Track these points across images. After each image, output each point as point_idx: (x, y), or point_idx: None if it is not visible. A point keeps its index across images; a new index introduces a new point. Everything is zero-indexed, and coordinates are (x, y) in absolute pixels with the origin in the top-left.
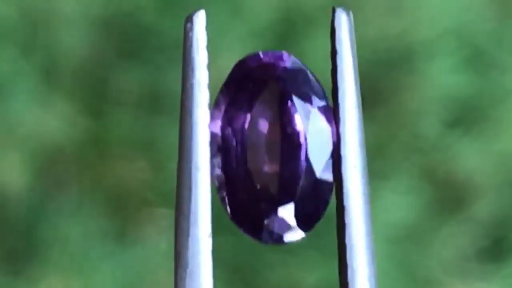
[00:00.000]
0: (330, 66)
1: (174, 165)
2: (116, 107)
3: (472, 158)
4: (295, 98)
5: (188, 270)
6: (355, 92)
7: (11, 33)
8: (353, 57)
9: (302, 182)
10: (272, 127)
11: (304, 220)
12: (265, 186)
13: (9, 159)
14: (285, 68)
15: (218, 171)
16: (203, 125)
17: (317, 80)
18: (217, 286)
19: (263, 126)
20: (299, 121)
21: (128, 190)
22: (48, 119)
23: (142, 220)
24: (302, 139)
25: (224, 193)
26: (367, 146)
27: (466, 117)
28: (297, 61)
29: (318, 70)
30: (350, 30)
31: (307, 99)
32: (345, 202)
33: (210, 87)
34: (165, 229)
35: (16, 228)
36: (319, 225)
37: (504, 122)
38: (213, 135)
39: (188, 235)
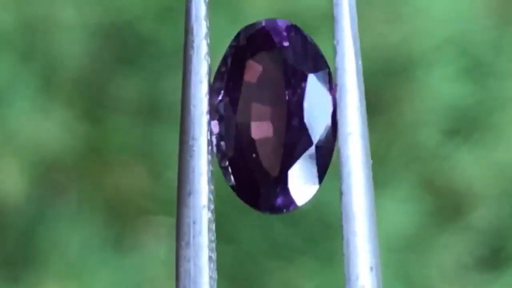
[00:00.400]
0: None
1: (172, 173)
2: (115, 115)
3: (471, 167)
4: (293, 65)
5: (185, 240)
6: (354, 59)
7: (10, 40)
8: (352, 23)
9: (298, 149)
10: (270, 94)
11: (302, 189)
12: (264, 154)
13: (7, 166)
14: (284, 35)
15: (220, 141)
16: (201, 95)
17: (317, 47)
18: None
19: (261, 94)
20: (297, 88)
21: (126, 197)
22: (46, 126)
23: (140, 228)
24: (299, 106)
25: (226, 163)
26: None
27: (465, 126)
28: (297, 27)
29: None
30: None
31: (306, 66)
32: (342, 170)
33: (210, 55)
34: (164, 236)
35: (14, 234)
36: (317, 233)
37: (503, 131)
38: (215, 106)
39: (185, 205)
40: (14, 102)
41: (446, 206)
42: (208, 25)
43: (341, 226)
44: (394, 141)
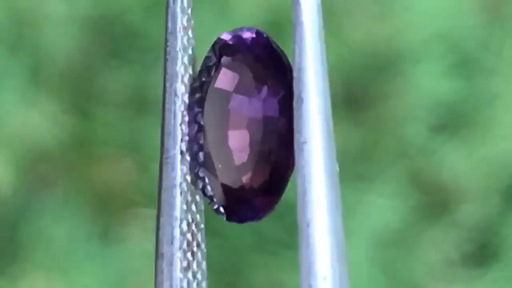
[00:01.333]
0: None
1: (158, 166)
2: (102, 108)
3: (457, 163)
4: (260, 75)
5: (160, 251)
6: (313, 65)
7: None
8: (313, 26)
9: (264, 160)
10: (240, 103)
11: (266, 201)
12: (231, 164)
13: None
14: (252, 46)
15: (199, 151)
16: (175, 107)
17: (285, 56)
18: None
19: (232, 103)
20: (262, 96)
21: (113, 190)
22: (34, 119)
23: (127, 221)
24: (265, 117)
25: (201, 174)
26: (353, 150)
27: (452, 121)
28: (267, 37)
29: None
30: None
31: (272, 75)
32: (297, 179)
33: (192, 63)
34: (150, 229)
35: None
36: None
37: (490, 127)
38: (194, 116)
39: (162, 215)
40: (1, 94)
41: (433, 201)
42: (190, 36)
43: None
44: (382, 136)
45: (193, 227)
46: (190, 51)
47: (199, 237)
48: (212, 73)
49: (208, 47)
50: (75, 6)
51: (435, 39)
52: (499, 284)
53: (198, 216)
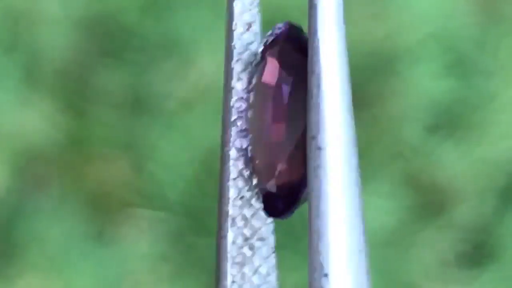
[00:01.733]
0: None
1: (154, 166)
2: (98, 107)
3: (454, 163)
4: (303, 68)
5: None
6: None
7: None
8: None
9: (299, 153)
10: (280, 98)
11: (297, 195)
12: (270, 158)
13: None
14: (297, 41)
15: (247, 146)
16: (229, 102)
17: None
18: None
19: (275, 96)
20: (300, 90)
21: (108, 190)
22: (28, 118)
23: (122, 221)
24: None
25: (249, 170)
26: None
27: (448, 122)
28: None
29: None
30: None
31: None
32: (310, 184)
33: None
34: (145, 229)
35: None
36: (298, 227)
37: (486, 127)
38: (242, 112)
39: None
40: None
41: (428, 202)
42: (256, 31)
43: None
44: (378, 136)
45: (252, 222)
46: (253, 47)
47: (263, 232)
48: (255, 67)
49: (203, 45)
50: (69, 5)
51: (431, 39)
52: (495, 284)
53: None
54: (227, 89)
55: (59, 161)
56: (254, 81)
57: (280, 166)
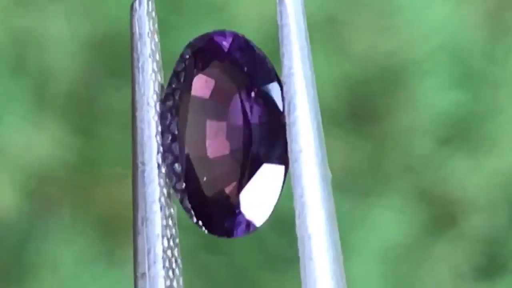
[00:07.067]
0: (322, 83)
1: None
2: (107, 128)
3: (465, 175)
4: (241, 78)
5: (140, 271)
6: (303, 70)
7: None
8: (298, 30)
9: (252, 168)
10: (219, 110)
11: (257, 211)
12: (217, 175)
13: None
14: (232, 48)
15: (174, 162)
16: (150, 117)
17: (267, 60)
18: None
19: (210, 111)
20: (246, 103)
21: (119, 211)
22: (38, 140)
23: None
24: (247, 122)
25: (180, 186)
26: (359, 164)
27: (458, 134)
28: (246, 39)
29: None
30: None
31: (254, 79)
32: (295, 189)
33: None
34: None
35: (5, 249)
36: None
37: (497, 139)
38: (167, 126)
39: (140, 233)
40: (4, 116)
41: (441, 215)
42: (156, 41)
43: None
44: (388, 150)
45: (171, 242)
46: (157, 57)
47: (176, 252)
48: (183, 79)
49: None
50: (76, 26)
51: (440, 52)
52: None
53: (174, 230)
54: (141, 102)
55: (69, 183)
56: (178, 94)
57: (228, 183)
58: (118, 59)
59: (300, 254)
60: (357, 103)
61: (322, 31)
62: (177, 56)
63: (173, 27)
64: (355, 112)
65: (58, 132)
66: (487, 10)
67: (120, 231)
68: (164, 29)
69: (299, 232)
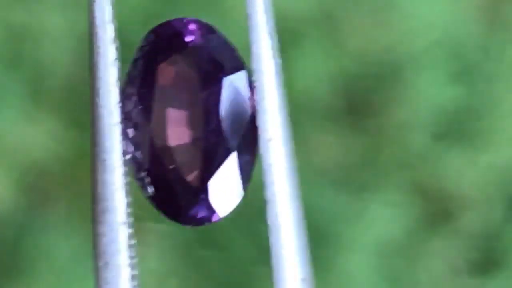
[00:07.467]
0: (318, 78)
1: None
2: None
3: (461, 170)
4: (206, 67)
5: (103, 260)
6: (271, 59)
7: None
8: (268, 20)
9: (217, 157)
10: (183, 97)
11: (224, 200)
12: (180, 163)
13: None
14: (195, 36)
15: (135, 151)
16: (111, 104)
17: (233, 48)
18: None
19: (174, 98)
20: (212, 90)
21: None
22: (34, 134)
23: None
24: (215, 110)
25: (143, 174)
26: (355, 159)
27: (455, 129)
28: (211, 27)
29: (307, 83)
30: None
31: (219, 67)
32: (265, 178)
33: (120, 63)
34: (152, 244)
35: (1, 244)
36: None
37: (493, 134)
38: (127, 113)
39: (102, 222)
40: (1, 111)
41: (437, 210)
42: (115, 28)
43: (267, 238)
44: (384, 145)
45: (130, 231)
46: (115, 44)
47: (133, 241)
48: (144, 67)
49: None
50: (73, 20)
51: (436, 47)
52: None
53: (131, 219)
54: (103, 90)
55: (65, 177)
56: (139, 82)
57: (190, 171)
58: None
59: (272, 242)
60: (354, 98)
61: (319, 27)
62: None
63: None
64: (352, 107)
65: (53, 126)
66: (483, 4)
67: None
68: (159, 22)
69: (270, 220)
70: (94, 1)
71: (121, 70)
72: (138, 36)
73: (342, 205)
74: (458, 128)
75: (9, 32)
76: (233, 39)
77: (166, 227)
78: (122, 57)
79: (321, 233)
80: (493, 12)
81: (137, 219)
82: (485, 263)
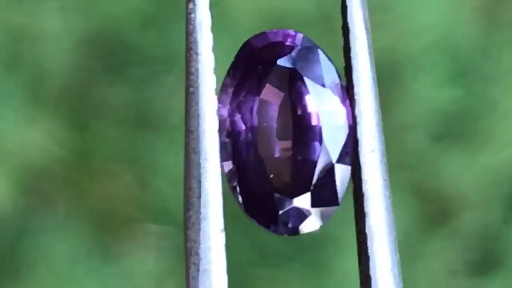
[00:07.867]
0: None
1: (159, 181)
2: (101, 124)
3: (459, 172)
4: (305, 78)
5: (200, 268)
6: (370, 72)
7: None
8: (367, 33)
9: (317, 168)
10: (282, 110)
11: (321, 209)
12: (278, 174)
13: None
14: (293, 47)
15: (228, 160)
16: (211, 112)
17: (329, 59)
18: None
19: (273, 109)
20: (311, 103)
21: (113, 206)
22: (33, 136)
23: (128, 236)
24: (314, 122)
25: (235, 183)
26: None
27: (452, 130)
28: (307, 38)
29: None
30: (362, 4)
31: (318, 78)
32: (364, 189)
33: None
34: (151, 245)
35: (0, 245)
36: (304, 239)
37: (491, 135)
38: (221, 122)
39: (199, 230)
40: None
41: (434, 211)
42: (213, 37)
43: (363, 247)
44: None
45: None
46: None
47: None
48: (237, 77)
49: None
50: (71, 22)
51: (434, 48)
52: None
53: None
54: (206, 98)
55: (64, 178)
56: (243, 92)
57: (281, 179)
58: (112, 55)
59: (370, 251)
60: None
61: (317, 28)
62: (173, 51)
63: (168, 20)
64: None
65: (52, 127)
66: (481, 6)
67: (114, 226)
68: (158, 22)
69: (369, 231)
70: (193, 10)
71: (120, 70)
72: (138, 36)
73: (340, 205)
74: (456, 129)
75: (8, 33)
76: (233, 39)
77: (165, 228)
78: (121, 57)
79: (319, 234)
80: (490, 14)
81: (136, 220)
82: (483, 263)
